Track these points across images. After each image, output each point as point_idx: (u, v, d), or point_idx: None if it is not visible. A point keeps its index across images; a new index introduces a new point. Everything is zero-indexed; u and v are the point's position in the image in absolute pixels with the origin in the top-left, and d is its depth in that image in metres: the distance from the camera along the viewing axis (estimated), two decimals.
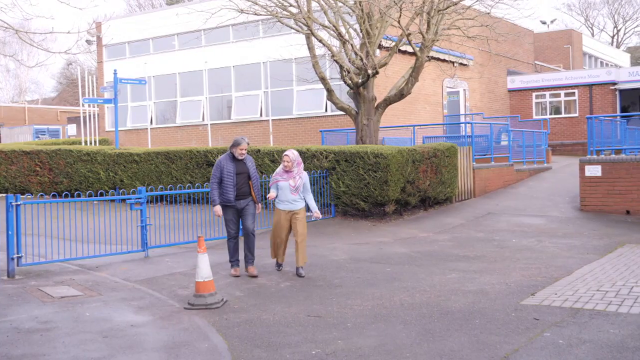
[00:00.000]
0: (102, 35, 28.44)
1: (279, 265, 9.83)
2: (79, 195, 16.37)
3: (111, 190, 17.16)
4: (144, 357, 5.91)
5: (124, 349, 6.15)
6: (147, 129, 27.74)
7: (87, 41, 30.18)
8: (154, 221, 11.86)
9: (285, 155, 9.42)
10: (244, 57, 25.77)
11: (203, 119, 26.98)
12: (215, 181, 9.29)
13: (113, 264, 10.38)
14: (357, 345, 6.15)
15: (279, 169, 9.58)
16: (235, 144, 9.34)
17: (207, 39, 26.08)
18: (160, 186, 15.48)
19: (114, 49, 29.90)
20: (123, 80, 21.57)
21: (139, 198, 11.01)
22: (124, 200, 11.47)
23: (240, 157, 9.32)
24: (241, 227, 9.67)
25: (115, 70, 21.12)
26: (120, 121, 26.17)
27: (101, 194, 15.31)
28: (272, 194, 9.36)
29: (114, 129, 22.46)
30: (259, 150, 16.05)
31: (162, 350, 6.12)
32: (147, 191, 11.49)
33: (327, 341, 6.30)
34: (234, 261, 9.58)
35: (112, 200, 14.22)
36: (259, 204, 9.64)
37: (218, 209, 9.32)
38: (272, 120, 24.84)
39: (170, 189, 15.46)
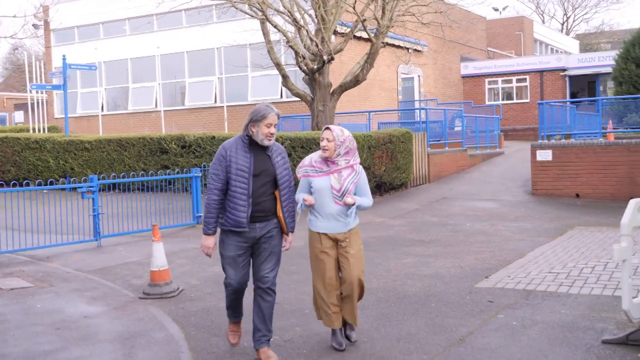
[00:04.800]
0: (50, 19, 27.73)
1: (335, 336, 5.69)
2: (27, 185, 15.99)
3: (61, 179, 16.80)
4: (98, 349, 5.80)
5: (78, 340, 6.02)
6: (98, 115, 27.20)
7: (34, 25, 29.36)
8: (106, 210, 11.65)
9: (327, 129, 5.52)
10: (197, 42, 25.46)
11: (156, 106, 26.60)
12: (215, 186, 5.19)
13: (65, 254, 10.17)
14: (315, 332, 6.14)
15: (314, 155, 5.69)
16: (258, 116, 5.18)
17: (160, 24, 25.67)
18: (113, 174, 15.20)
19: (62, 34, 29.19)
20: (72, 66, 21.06)
21: (91, 186, 10.80)
22: (75, 189, 11.23)
23: (266, 143, 5.23)
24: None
25: (64, 56, 20.60)
26: (70, 108, 25.60)
27: (51, 183, 14.97)
28: (308, 197, 5.49)
29: (63, 116, 21.95)
30: (213, 137, 15.89)
31: (116, 341, 6.01)
32: (99, 179, 11.27)
33: (284, 328, 6.28)
34: (234, 315, 5.71)
35: (63, 189, 13.92)
36: (290, 235, 5.47)
37: (210, 242, 5.30)
38: (227, 106, 24.63)
39: (123, 177, 15.18)
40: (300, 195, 5.54)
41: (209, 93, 25.48)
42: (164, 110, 26.06)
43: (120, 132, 25.26)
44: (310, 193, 5.58)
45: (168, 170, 15.53)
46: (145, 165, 16.53)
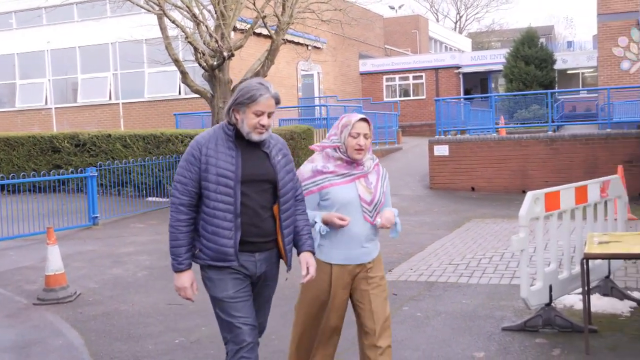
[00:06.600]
0: None
1: None
2: None
3: None
4: None
5: None
6: None
7: None
8: None
9: (361, 121, 3.82)
10: (90, 37, 24.58)
11: (46, 103, 25.51)
12: (181, 201, 3.53)
13: None
14: None
15: (319, 159, 3.92)
16: (245, 99, 3.48)
17: (49, 18, 24.61)
18: (1, 175, 14.44)
19: None
20: None
21: None
22: None
23: (255, 138, 3.52)
24: None
25: None
26: None
27: None
28: (341, 217, 3.74)
29: None
30: (109, 135, 15.39)
31: (11, 350, 5.68)
32: None
33: (190, 329, 6.14)
34: None
35: None
36: (311, 259, 3.71)
37: (184, 280, 3.61)
38: (123, 103, 23.95)
39: (12, 178, 14.46)
40: (318, 214, 3.80)
41: (103, 89, 24.66)
42: (55, 108, 25.03)
43: (7, 131, 24.04)
44: (316, 204, 3.87)
45: (61, 170, 14.90)
46: (35, 165, 15.81)
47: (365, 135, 3.80)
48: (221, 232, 3.50)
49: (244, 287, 3.60)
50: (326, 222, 3.76)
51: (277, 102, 3.55)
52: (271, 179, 3.58)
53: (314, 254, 3.75)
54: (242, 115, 3.50)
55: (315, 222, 3.78)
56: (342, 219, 3.71)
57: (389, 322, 3.97)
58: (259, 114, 3.48)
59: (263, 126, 3.50)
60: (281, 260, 3.79)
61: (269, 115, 3.51)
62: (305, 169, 3.92)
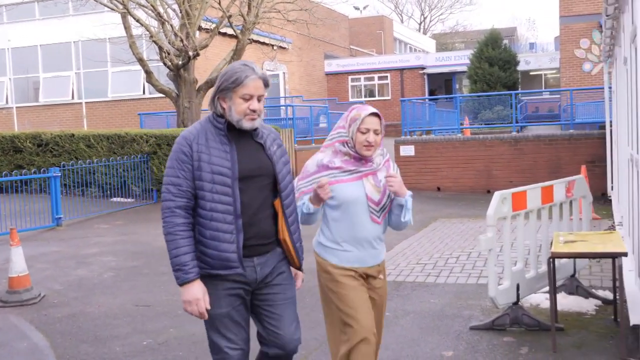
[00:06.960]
0: None
1: None
2: None
3: None
4: None
5: None
6: None
7: None
8: None
9: (371, 116, 3.52)
10: (53, 35, 24.20)
11: (7, 102, 25.05)
12: (177, 204, 3.14)
13: None
14: (190, 332, 5.99)
15: (328, 152, 3.62)
16: (229, 83, 3.16)
17: (10, 16, 24.18)
18: None
19: None
20: None
21: None
22: None
23: (246, 125, 3.19)
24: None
25: None
26: None
27: None
28: (322, 185, 3.44)
29: None
30: (73, 135, 15.16)
31: None
32: None
33: (158, 330, 6.08)
34: None
35: None
36: (301, 272, 3.65)
37: (196, 291, 3.15)
38: (86, 102, 23.63)
39: None
40: (305, 200, 3.57)
41: (65, 89, 24.29)
42: (16, 107, 24.58)
43: None
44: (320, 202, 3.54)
45: (24, 171, 14.63)
46: None
47: (375, 131, 3.50)
48: (221, 235, 3.15)
49: (238, 305, 3.28)
50: (314, 202, 3.53)
51: (266, 84, 3.24)
52: (269, 172, 3.27)
53: (301, 265, 3.58)
54: (229, 102, 3.17)
55: (309, 208, 3.57)
56: (323, 188, 3.43)
57: (381, 330, 3.85)
58: (247, 98, 3.16)
59: (254, 111, 3.17)
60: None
61: (259, 99, 3.20)
62: (312, 162, 3.66)
